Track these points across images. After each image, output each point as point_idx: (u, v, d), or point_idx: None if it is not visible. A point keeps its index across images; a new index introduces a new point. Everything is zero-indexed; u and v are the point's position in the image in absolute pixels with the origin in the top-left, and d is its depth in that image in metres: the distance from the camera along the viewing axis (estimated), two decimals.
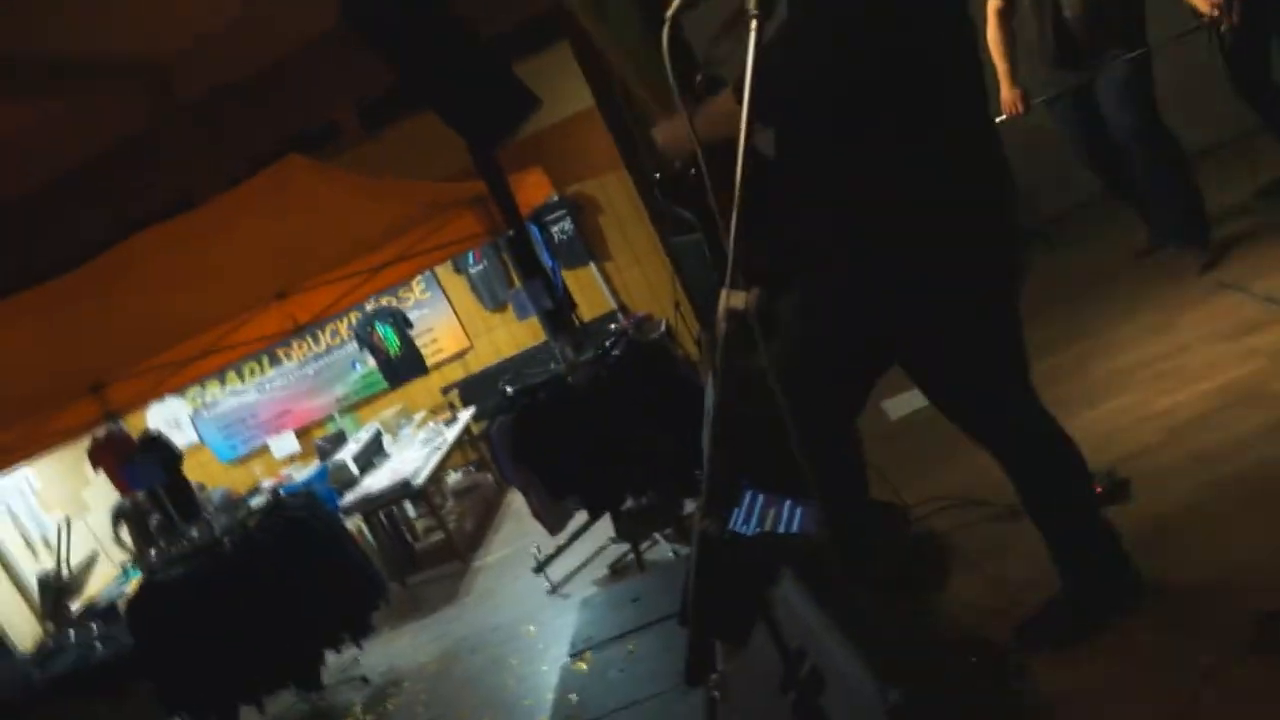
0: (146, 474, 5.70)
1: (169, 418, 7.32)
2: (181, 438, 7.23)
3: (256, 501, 5.75)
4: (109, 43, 5.99)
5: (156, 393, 5.76)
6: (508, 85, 4.49)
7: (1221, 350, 3.01)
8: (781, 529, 2.51)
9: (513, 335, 7.46)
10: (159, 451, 5.98)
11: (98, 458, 6.27)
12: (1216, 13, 3.42)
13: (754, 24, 1.24)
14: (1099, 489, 2.50)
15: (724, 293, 1.26)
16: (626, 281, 7.36)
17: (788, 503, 2.63)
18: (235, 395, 7.57)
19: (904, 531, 2.59)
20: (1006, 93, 3.98)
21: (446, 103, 4.50)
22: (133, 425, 6.34)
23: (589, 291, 7.23)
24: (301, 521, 4.45)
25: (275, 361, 7.45)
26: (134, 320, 5.10)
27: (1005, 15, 3.85)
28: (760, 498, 2.69)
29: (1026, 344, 1.94)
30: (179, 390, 6.68)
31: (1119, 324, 3.59)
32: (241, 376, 7.49)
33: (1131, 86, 3.62)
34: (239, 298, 5.34)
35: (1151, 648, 1.96)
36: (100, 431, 5.63)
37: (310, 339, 7.37)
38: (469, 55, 4.36)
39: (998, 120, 4.07)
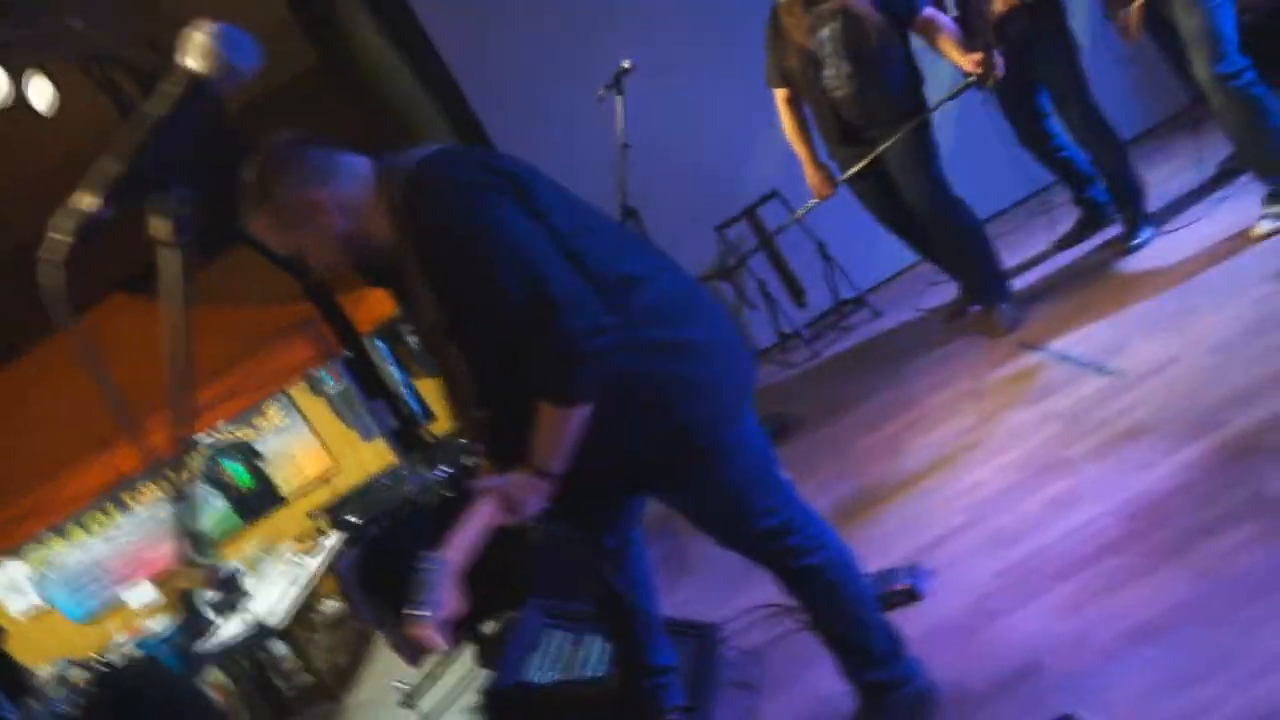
0: None
1: (6, 582, 6.78)
2: (24, 602, 6.69)
3: (79, 675, 5.27)
4: None
5: None
6: None
7: (1023, 418, 3.05)
8: (586, 672, 2.39)
9: (379, 453, 7.20)
10: None
11: None
12: (980, 69, 3.42)
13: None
14: (901, 586, 2.46)
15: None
16: None
17: (598, 641, 2.50)
18: (81, 550, 7.07)
19: (713, 651, 2.49)
20: (811, 176, 4.01)
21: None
22: None
23: None
24: (133, 696, 4.11)
25: (123, 508, 7.01)
26: None
27: (792, 102, 3.90)
28: (569, 637, 2.56)
29: (768, 459, 1.89)
30: (12, 551, 6.23)
31: (937, 392, 3.62)
32: (87, 529, 7.02)
33: (912, 157, 3.66)
34: (65, 448, 5.08)
35: None
36: None
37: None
38: None
39: (809, 204, 4.10)
